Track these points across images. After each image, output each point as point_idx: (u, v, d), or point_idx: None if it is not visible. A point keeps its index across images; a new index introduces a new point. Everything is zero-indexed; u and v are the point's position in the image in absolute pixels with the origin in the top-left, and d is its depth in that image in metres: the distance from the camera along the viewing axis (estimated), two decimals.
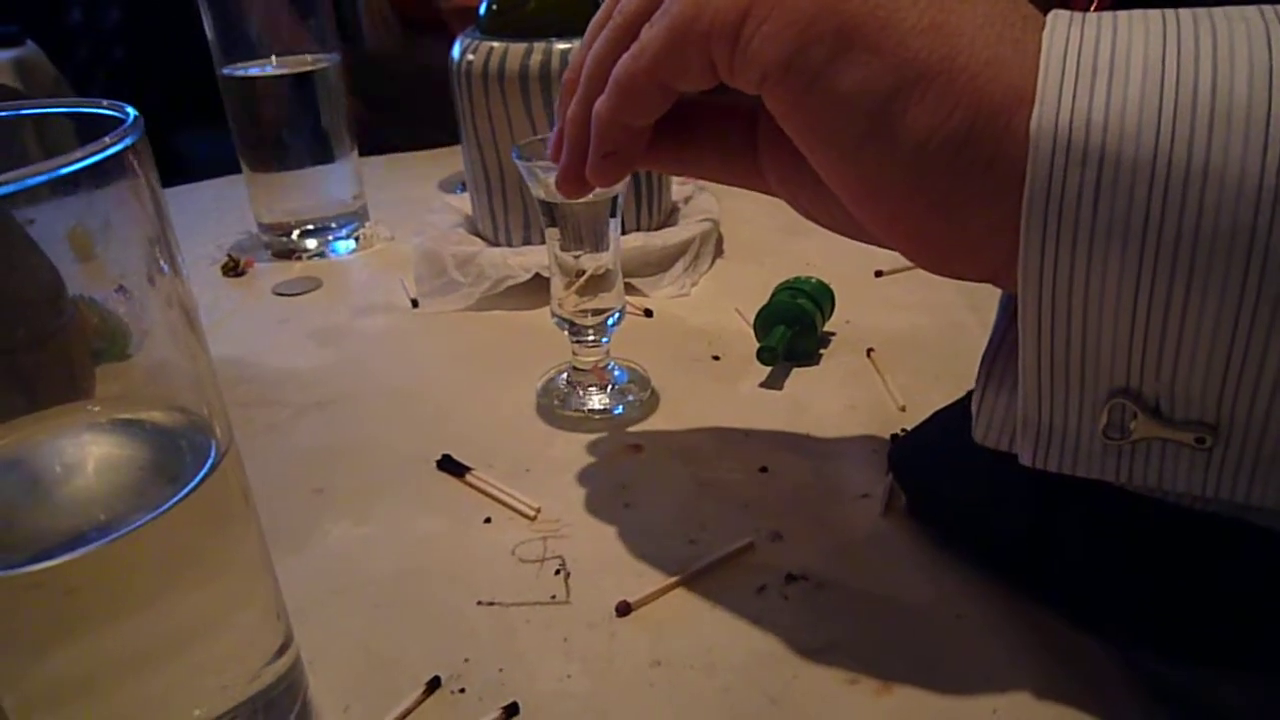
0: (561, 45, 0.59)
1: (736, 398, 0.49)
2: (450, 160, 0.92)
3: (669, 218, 0.67)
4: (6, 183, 0.22)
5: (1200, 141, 0.21)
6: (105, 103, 0.26)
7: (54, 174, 0.22)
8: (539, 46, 0.58)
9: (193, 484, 0.27)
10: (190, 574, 0.28)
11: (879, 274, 0.62)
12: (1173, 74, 0.22)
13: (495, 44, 0.60)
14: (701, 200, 0.69)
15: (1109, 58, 0.23)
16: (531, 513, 0.41)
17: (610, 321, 0.47)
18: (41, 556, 0.25)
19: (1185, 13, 0.23)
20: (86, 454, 0.29)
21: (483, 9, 0.62)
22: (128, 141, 0.24)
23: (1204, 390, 0.23)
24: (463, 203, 0.70)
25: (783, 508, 0.40)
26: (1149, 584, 0.30)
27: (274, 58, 0.69)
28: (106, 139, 0.23)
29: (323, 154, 0.71)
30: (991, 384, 0.29)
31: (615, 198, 0.44)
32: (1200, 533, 0.28)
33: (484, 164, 0.63)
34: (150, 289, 0.29)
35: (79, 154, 0.23)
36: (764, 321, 0.51)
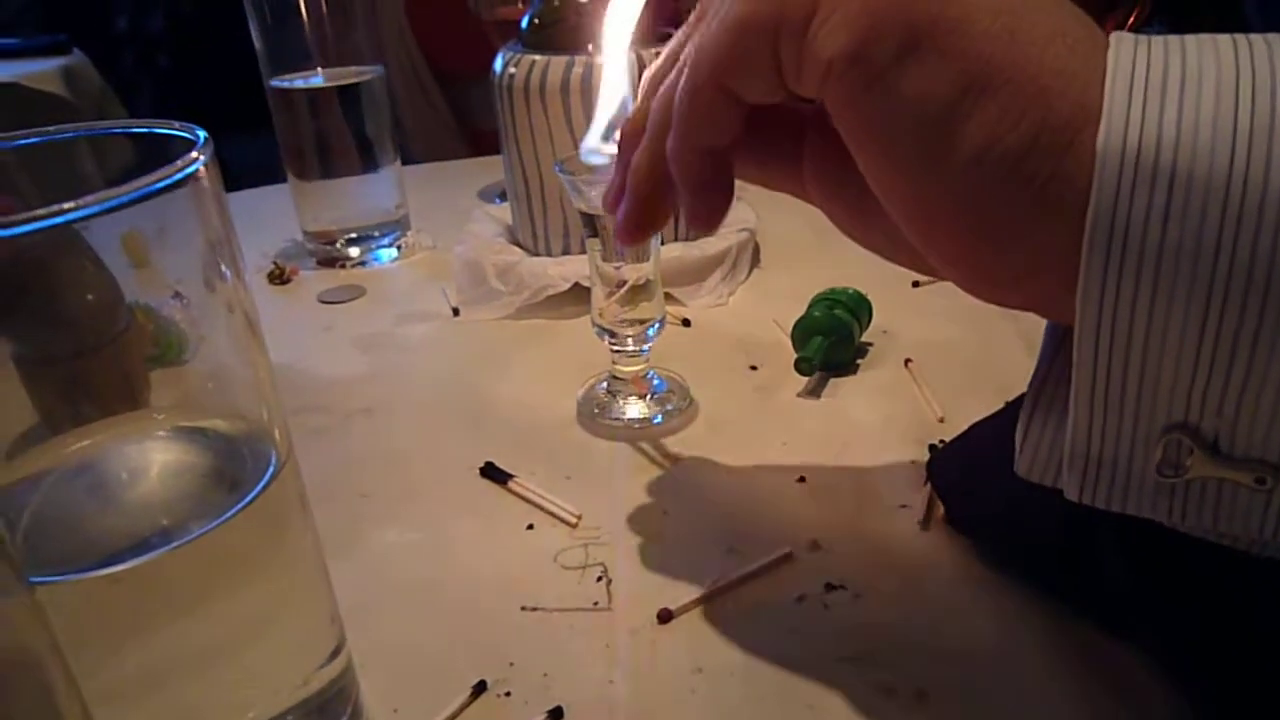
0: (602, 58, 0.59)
1: (774, 408, 0.49)
2: (489, 170, 0.93)
3: None
4: (84, 206, 0.23)
5: (1277, 162, 0.21)
6: (176, 125, 0.28)
7: (133, 195, 0.23)
8: (580, 59, 0.59)
9: (254, 492, 0.28)
10: (250, 579, 0.29)
11: (916, 285, 0.62)
12: (1247, 94, 0.21)
13: (537, 57, 0.60)
14: (738, 210, 0.69)
15: (1179, 77, 0.22)
16: (573, 520, 0.41)
17: (650, 331, 0.48)
18: (109, 561, 0.26)
19: (1256, 37, 0.23)
20: (151, 461, 0.30)
21: (525, 22, 0.63)
22: (199, 164, 0.25)
23: (1269, 428, 0.23)
24: (503, 212, 0.71)
25: (821, 518, 0.41)
26: (1193, 605, 0.30)
27: (320, 69, 0.71)
28: (179, 161, 0.24)
29: (367, 163, 0.73)
30: (1038, 415, 0.28)
31: None
32: (1248, 558, 0.28)
33: (525, 175, 0.64)
34: (209, 295, 0.30)
35: (154, 177, 0.24)
36: (801, 333, 0.52)
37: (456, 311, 0.63)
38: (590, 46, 0.60)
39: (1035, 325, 0.53)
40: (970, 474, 0.38)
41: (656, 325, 0.48)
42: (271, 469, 0.29)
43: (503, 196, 0.86)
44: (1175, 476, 0.25)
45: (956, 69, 0.24)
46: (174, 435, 0.31)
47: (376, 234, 0.74)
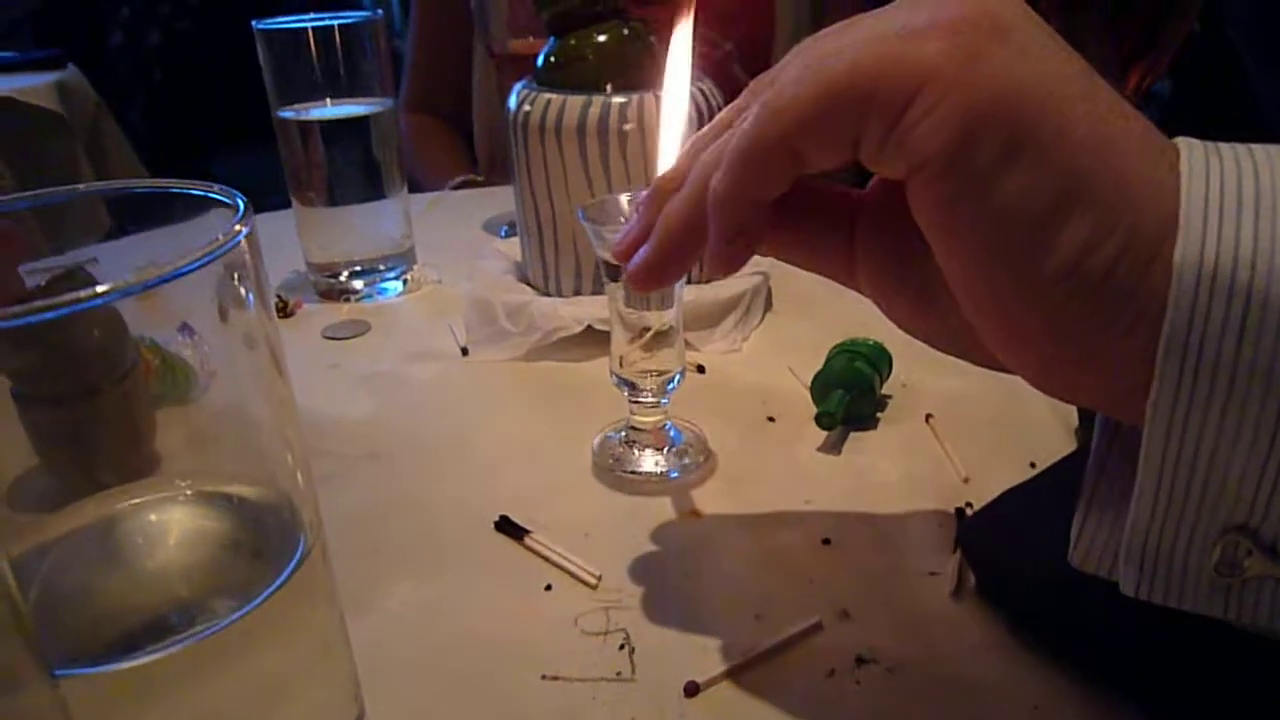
0: (619, 99, 0.59)
1: (794, 463, 0.48)
2: (494, 201, 0.92)
3: None
4: (125, 287, 0.22)
5: None
6: (217, 188, 0.26)
7: (175, 275, 0.22)
8: (597, 99, 0.59)
9: (286, 571, 0.26)
10: (276, 656, 0.28)
11: None
12: None
13: (553, 96, 0.60)
14: None
15: (1253, 191, 0.22)
16: (593, 581, 0.40)
17: (671, 384, 0.47)
18: (128, 644, 0.24)
19: None
20: (168, 528, 0.29)
21: (540, 60, 0.63)
22: (242, 235, 0.24)
23: None
24: (511, 247, 0.70)
25: (849, 583, 0.40)
26: (1237, 692, 0.30)
27: (329, 100, 0.70)
28: (220, 236, 0.23)
29: (374, 191, 0.71)
30: (1094, 509, 0.28)
31: None
32: None
33: (538, 214, 0.63)
34: (223, 326, 0.28)
35: (199, 254, 0.22)
36: (821, 386, 0.51)
37: (465, 351, 0.61)
38: (608, 87, 0.59)
39: None
40: (1003, 547, 0.37)
41: (677, 377, 0.47)
42: (303, 543, 0.28)
43: (510, 228, 0.85)
44: (1232, 575, 0.25)
45: (1054, 179, 0.24)
46: (193, 500, 0.30)
47: (382, 267, 0.73)
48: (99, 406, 0.41)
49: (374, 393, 0.57)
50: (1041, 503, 0.37)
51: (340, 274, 0.72)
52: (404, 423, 0.54)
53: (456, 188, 1.06)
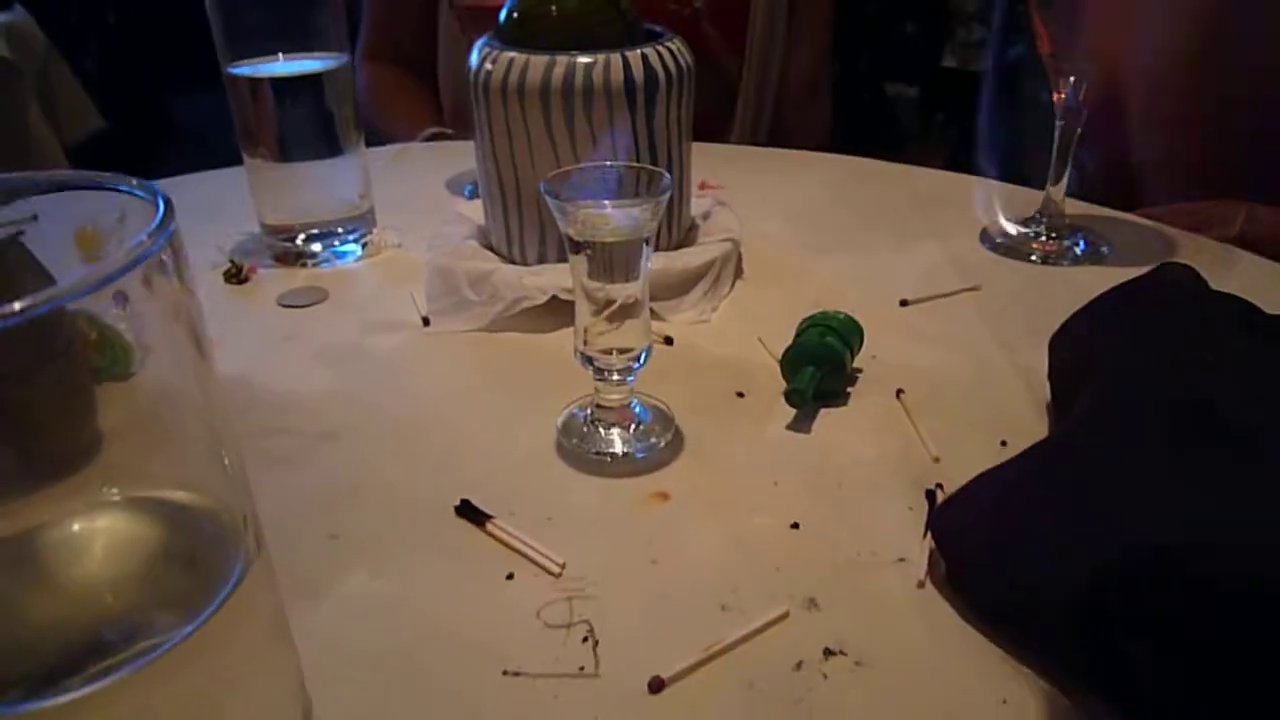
0: (584, 59, 0.56)
1: (763, 441, 0.47)
2: (457, 157, 0.89)
3: (687, 236, 0.65)
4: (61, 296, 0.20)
5: None
6: (135, 182, 0.25)
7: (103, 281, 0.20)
8: (562, 59, 0.56)
9: (229, 588, 0.25)
10: (215, 660, 0.26)
11: (904, 303, 0.60)
12: None
13: (516, 55, 0.57)
14: (721, 217, 0.67)
15: None
16: (556, 570, 0.39)
17: (636, 364, 0.45)
18: (62, 669, 0.23)
19: None
20: (96, 537, 0.27)
21: (503, 16, 0.60)
22: (163, 240, 0.22)
23: None
24: (474, 210, 0.68)
25: (817, 570, 0.39)
26: (1208, 689, 0.29)
27: (281, 55, 0.67)
28: (145, 239, 0.22)
29: (329, 148, 0.69)
30: None
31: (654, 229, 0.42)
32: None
33: (500, 178, 0.61)
34: (149, 295, 0.26)
35: (120, 262, 0.21)
36: (792, 361, 0.50)
37: (427, 321, 0.60)
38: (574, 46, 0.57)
39: (1029, 355, 0.52)
40: (974, 534, 0.36)
41: (644, 355, 0.45)
42: (243, 552, 0.26)
43: (474, 188, 0.82)
44: None
45: None
46: (122, 506, 0.28)
47: (340, 230, 0.70)
48: (34, 388, 0.39)
49: (331, 366, 0.55)
50: (1010, 490, 0.37)
51: (296, 237, 0.69)
52: (363, 399, 0.52)
53: (428, 140, 1.03)
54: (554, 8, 0.58)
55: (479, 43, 0.61)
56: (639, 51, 0.57)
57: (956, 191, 0.81)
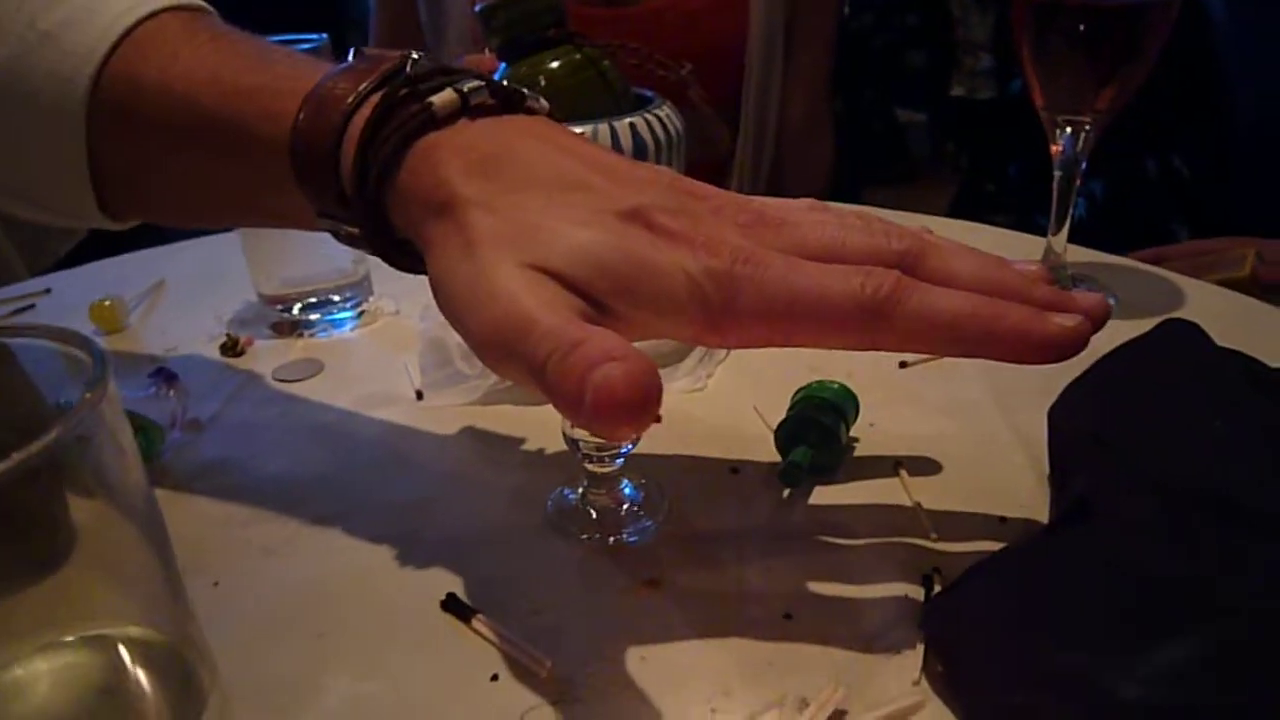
0: (577, 129, 0.56)
1: (757, 522, 0.47)
2: None
3: None
4: None
5: None
6: (78, 338, 0.24)
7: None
8: None
9: None
10: None
11: (904, 365, 0.59)
12: None
13: None
14: None
15: None
16: (542, 671, 0.38)
17: (625, 448, 0.45)
18: None
19: None
20: (38, 685, 0.27)
21: None
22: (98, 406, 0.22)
23: None
24: None
25: (810, 665, 0.38)
26: None
27: None
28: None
29: None
30: None
31: None
32: None
33: None
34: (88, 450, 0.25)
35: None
36: (785, 437, 0.49)
37: (420, 395, 0.59)
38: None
39: (1030, 421, 0.51)
40: (967, 638, 0.35)
41: (629, 446, 0.45)
42: (196, 698, 0.26)
43: None
44: None
45: None
46: (73, 646, 0.27)
47: (335, 298, 0.70)
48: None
49: (323, 446, 0.55)
50: (1006, 591, 0.36)
51: (292, 307, 0.69)
52: (355, 482, 0.52)
53: None
54: (542, 79, 0.58)
55: None
56: (627, 121, 0.57)
57: (958, 239, 0.80)
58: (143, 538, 0.26)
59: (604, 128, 0.56)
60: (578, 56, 0.58)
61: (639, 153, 0.57)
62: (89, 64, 0.44)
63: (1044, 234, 0.78)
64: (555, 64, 0.58)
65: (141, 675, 0.27)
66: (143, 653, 0.27)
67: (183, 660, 0.26)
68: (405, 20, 1.16)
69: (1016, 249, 0.74)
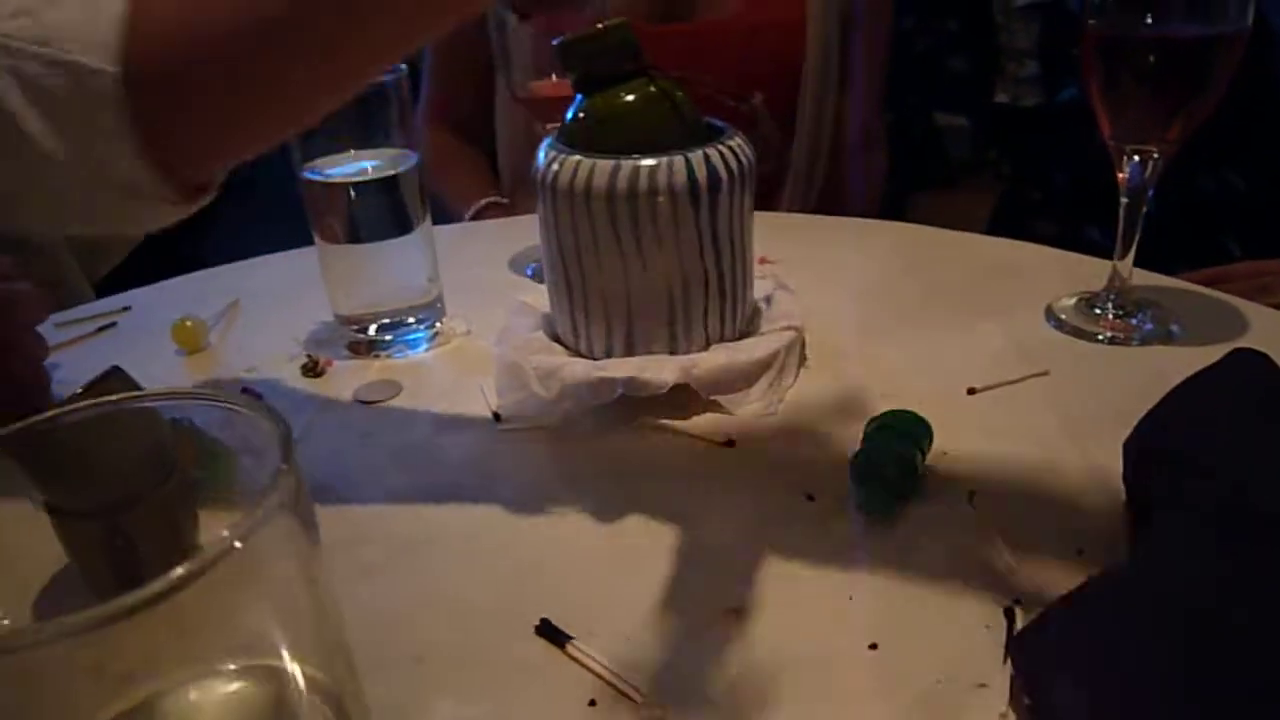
0: (647, 162, 0.58)
1: (837, 551, 0.48)
2: (518, 233, 0.91)
3: (750, 324, 0.66)
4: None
5: None
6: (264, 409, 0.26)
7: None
8: (627, 164, 0.57)
9: None
10: None
11: (971, 391, 0.60)
12: None
13: (582, 159, 0.59)
14: (782, 302, 0.68)
15: None
16: (637, 697, 0.40)
17: None
18: None
19: None
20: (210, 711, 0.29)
21: (570, 116, 0.62)
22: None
23: None
24: (538, 298, 0.69)
25: (896, 697, 0.39)
26: None
27: (352, 150, 0.69)
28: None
29: (399, 231, 0.70)
30: None
31: None
32: None
33: (566, 275, 0.62)
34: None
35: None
36: (863, 470, 0.50)
37: (498, 418, 0.61)
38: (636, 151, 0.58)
39: (1099, 448, 0.52)
40: (1059, 675, 0.36)
41: None
42: None
43: (536, 267, 0.84)
44: None
45: None
46: (236, 676, 0.29)
47: (410, 320, 0.72)
48: (139, 516, 0.41)
49: (407, 470, 0.57)
50: (1096, 628, 0.37)
51: (368, 327, 0.71)
52: (440, 505, 0.54)
53: (476, 216, 1.05)
54: (619, 113, 0.60)
55: (545, 142, 0.62)
56: (701, 152, 0.58)
57: (1018, 261, 0.81)
58: (302, 574, 0.28)
59: (679, 160, 0.58)
60: (652, 89, 0.60)
61: (713, 182, 0.58)
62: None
63: (1095, 248, 0.78)
64: (630, 97, 0.60)
65: (301, 707, 0.29)
66: (302, 686, 0.29)
67: (337, 697, 0.28)
68: (460, 50, 1.19)
69: (1078, 274, 0.75)
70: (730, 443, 0.57)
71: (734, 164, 0.59)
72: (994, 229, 1.75)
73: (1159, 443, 0.47)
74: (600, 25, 0.59)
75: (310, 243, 0.71)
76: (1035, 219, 2.00)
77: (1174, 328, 0.68)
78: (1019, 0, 2.33)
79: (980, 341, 0.67)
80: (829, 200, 1.13)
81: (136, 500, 0.39)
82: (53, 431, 0.45)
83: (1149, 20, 0.58)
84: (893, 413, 0.52)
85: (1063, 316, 0.70)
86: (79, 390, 0.44)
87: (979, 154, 2.73)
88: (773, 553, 0.48)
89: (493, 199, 1.09)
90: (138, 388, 0.46)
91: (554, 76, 0.78)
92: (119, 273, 1.83)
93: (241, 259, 0.91)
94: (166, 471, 0.39)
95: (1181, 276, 0.78)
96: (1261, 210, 1.31)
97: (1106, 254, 0.70)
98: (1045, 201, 1.95)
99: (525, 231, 0.90)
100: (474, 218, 1.10)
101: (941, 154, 2.82)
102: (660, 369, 0.59)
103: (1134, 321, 0.68)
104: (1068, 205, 1.74)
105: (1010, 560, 0.46)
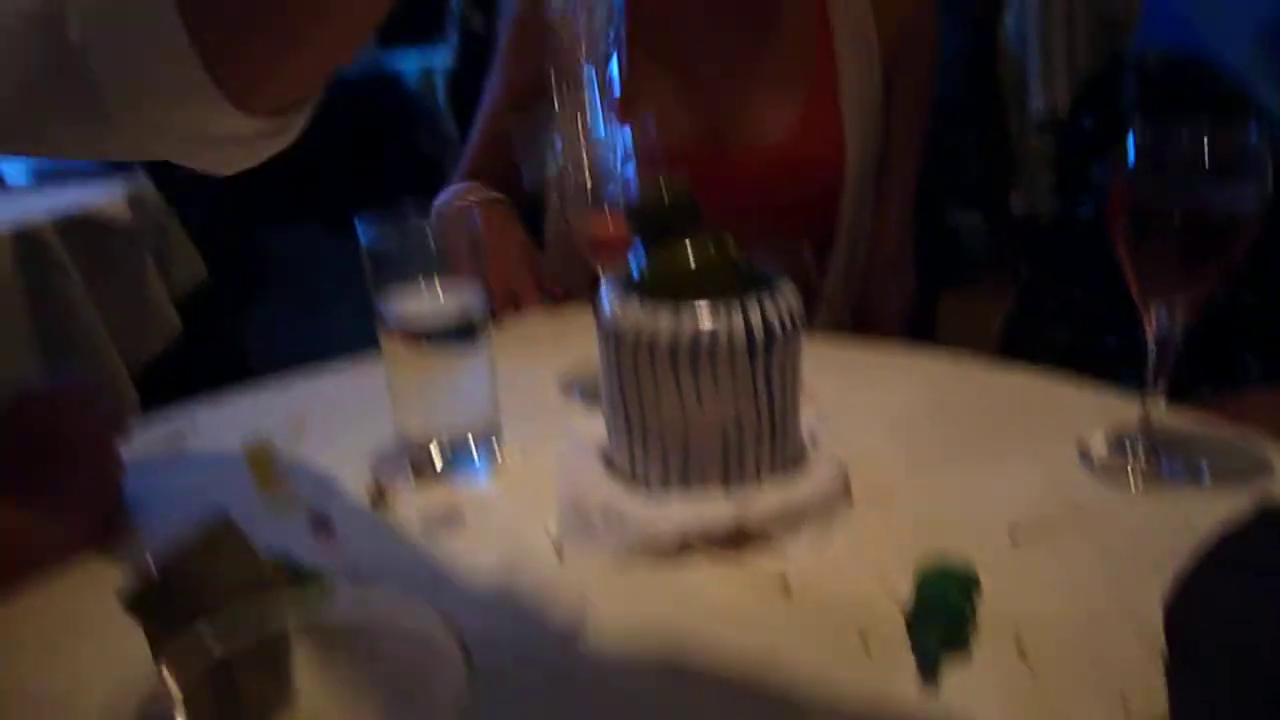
0: (707, 318, 0.62)
1: (893, 705, 0.50)
2: (566, 347, 0.95)
3: (797, 463, 0.69)
4: None
5: None
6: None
7: None
8: (688, 319, 0.61)
9: None
10: None
11: (1014, 537, 0.63)
12: None
13: (645, 311, 0.63)
14: (825, 439, 0.71)
15: None
16: None
17: None
18: None
19: None
20: None
21: (634, 271, 0.66)
22: None
23: None
24: (592, 424, 0.72)
25: None
26: None
27: (421, 280, 0.73)
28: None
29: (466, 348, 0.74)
30: None
31: None
32: None
33: (626, 414, 0.65)
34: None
35: None
36: (919, 622, 0.53)
37: (560, 554, 0.64)
38: (698, 305, 0.62)
39: (1140, 599, 0.54)
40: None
41: None
42: None
43: (583, 391, 0.88)
44: None
45: None
46: None
47: (472, 442, 0.75)
48: (246, 662, 0.44)
49: (477, 607, 0.60)
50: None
51: (430, 446, 0.75)
52: (512, 649, 0.56)
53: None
54: (680, 267, 0.64)
55: (606, 289, 0.66)
56: (757, 302, 0.62)
57: (1051, 398, 0.84)
58: None
59: (737, 315, 0.62)
60: (711, 248, 0.64)
61: (769, 336, 0.62)
62: None
63: (1113, 357, 0.81)
64: (689, 251, 0.64)
65: None
66: None
67: None
68: (498, 146, 1.21)
69: (1111, 408, 0.78)
70: (785, 588, 0.60)
71: (788, 320, 0.63)
72: (1011, 333, 1.77)
73: (1196, 608, 0.50)
74: (663, 189, 0.64)
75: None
76: (1053, 325, 2.04)
77: (1202, 468, 0.70)
78: (1035, 115, 2.42)
79: (1018, 482, 0.70)
80: (860, 318, 1.17)
81: (245, 650, 0.42)
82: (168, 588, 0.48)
83: (1178, 192, 0.62)
84: (943, 562, 0.55)
85: (1095, 458, 0.72)
86: (193, 544, 0.47)
87: (995, 254, 2.79)
88: (832, 708, 0.50)
89: (495, 196, 1.12)
90: (248, 541, 0.49)
91: (609, 216, 0.83)
92: (161, 370, 1.88)
93: (280, 356, 0.95)
94: (269, 618, 0.42)
95: (1202, 403, 0.80)
96: (1276, 326, 1.34)
97: (1125, 364, 0.73)
98: (1061, 308, 1.99)
99: (571, 342, 0.94)
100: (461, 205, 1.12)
101: (957, 253, 2.88)
102: (716, 511, 0.62)
103: (1163, 460, 0.71)
104: (1086, 311, 1.78)
105: (1062, 715, 0.48)
